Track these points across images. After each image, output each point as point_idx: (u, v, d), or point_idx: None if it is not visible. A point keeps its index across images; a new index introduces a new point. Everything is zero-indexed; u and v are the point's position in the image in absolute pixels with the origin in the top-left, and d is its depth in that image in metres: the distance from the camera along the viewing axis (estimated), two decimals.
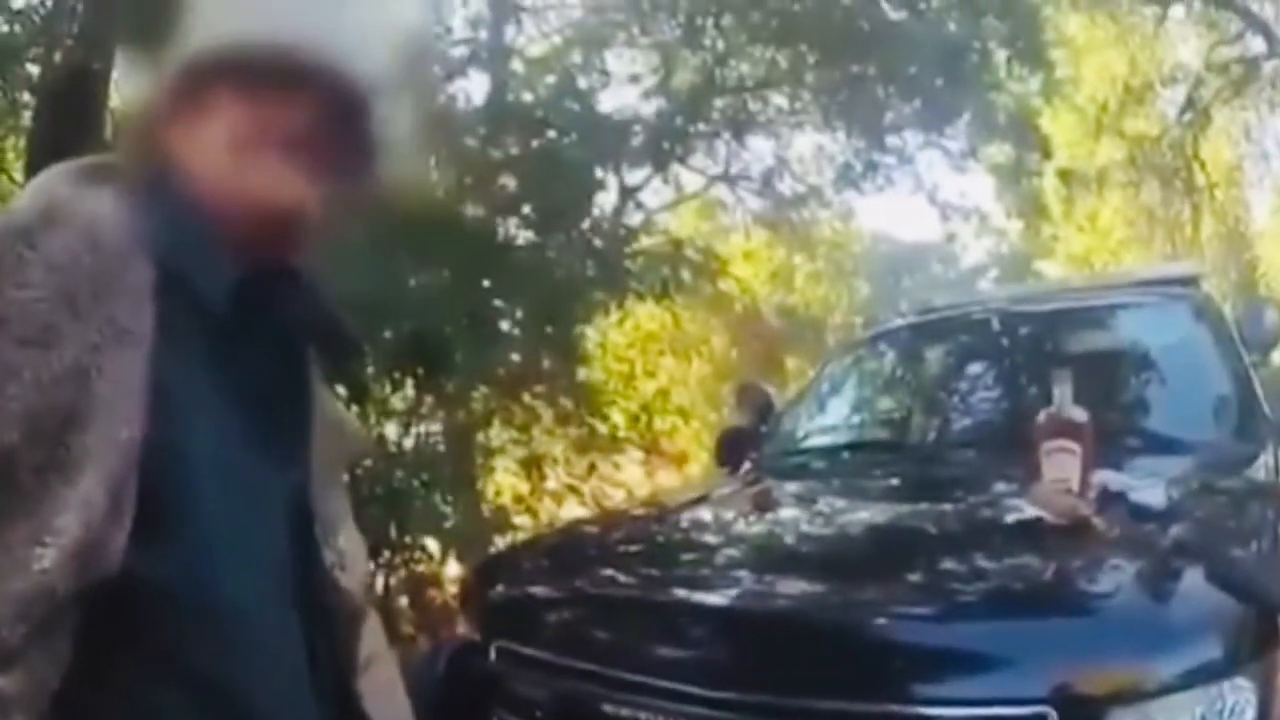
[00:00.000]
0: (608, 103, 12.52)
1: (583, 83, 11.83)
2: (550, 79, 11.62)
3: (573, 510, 10.87)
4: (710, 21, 11.68)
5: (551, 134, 10.16)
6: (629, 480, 12.38)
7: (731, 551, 3.88)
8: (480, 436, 10.37)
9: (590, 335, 11.75)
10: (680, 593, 3.45)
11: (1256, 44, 18.58)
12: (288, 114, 1.35)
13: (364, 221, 1.70)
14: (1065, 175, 18.03)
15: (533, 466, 10.80)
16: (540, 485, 11.00)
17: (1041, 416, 3.43)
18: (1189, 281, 5.54)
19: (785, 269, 19.80)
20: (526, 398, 10.30)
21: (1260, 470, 3.93)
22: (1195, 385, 4.63)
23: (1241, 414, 4.44)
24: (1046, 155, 15.68)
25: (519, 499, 10.82)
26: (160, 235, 1.29)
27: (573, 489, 11.45)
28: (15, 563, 1.11)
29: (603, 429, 11.48)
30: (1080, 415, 3.38)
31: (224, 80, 1.34)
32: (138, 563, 1.17)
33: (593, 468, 11.62)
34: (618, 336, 14.04)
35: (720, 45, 11.98)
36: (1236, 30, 18.75)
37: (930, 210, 15.99)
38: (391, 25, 1.42)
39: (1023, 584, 3.09)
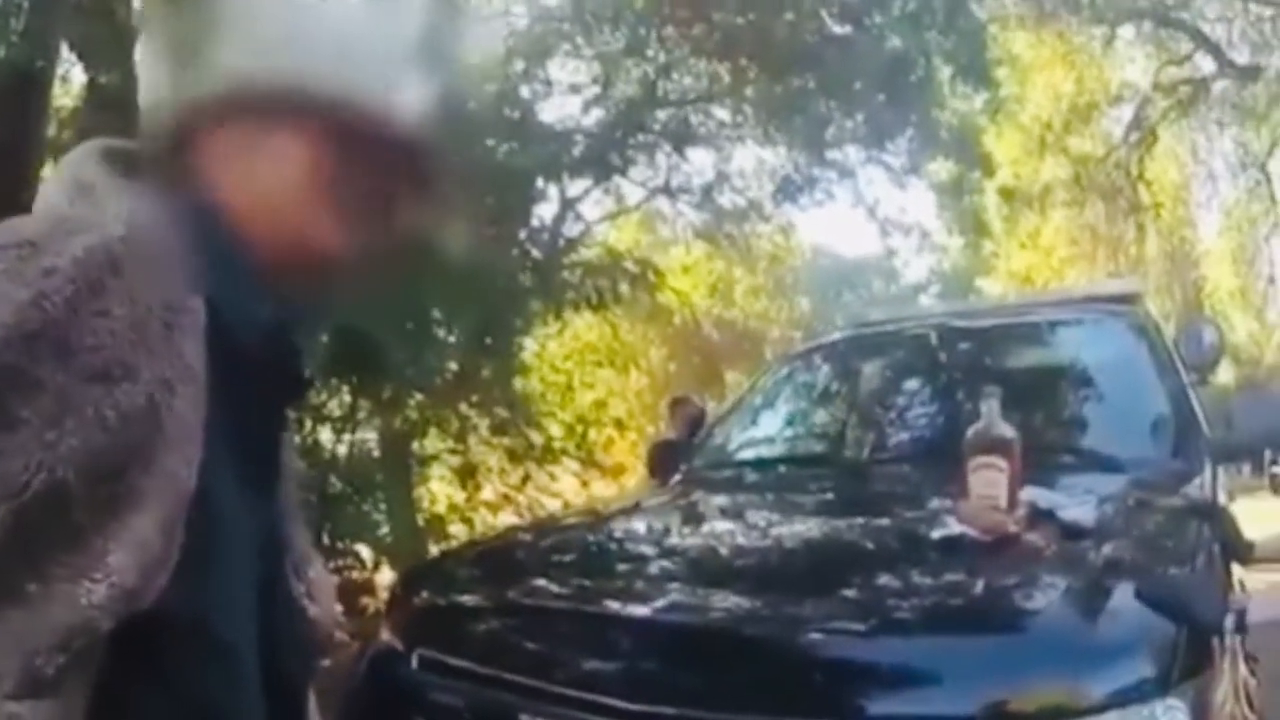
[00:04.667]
0: (549, 113, 12.54)
1: (525, 92, 11.82)
2: (491, 87, 11.59)
3: (508, 520, 10.86)
4: (653, 33, 11.68)
5: (491, 142, 10.15)
6: (564, 491, 12.39)
7: (661, 563, 3.83)
8: (415, 445, 10.34)
9: (528, 345, 11.76)
10: (607, 604, 3.41)
11: (1206, 64, 18.79)
12: (332, 154, 1.32)
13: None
14: (1007, 193, 18.16)
15: (468, 475, 10.79)
16: (475, 494, 10.99)
17: (969, 433, 3.43)
18: (1128, 299, 5.55)
19: (725, 282, 19.85)
20: (463, 406, 10.29)
21: (1197, 489, 3.95)
22: (1132, 403, 4.64)
23: (1179, 433, 4.45)
24: (989, 173, 15.77)
25: (454, 508, 10.80)
26: (208, 269, 1.25)
27: (508, 499, 11.45)
28: (60, 595, 1.09)
29: (538, 439, 11.49)
30: (1008, 432, 3.38)
31: (266, 114, 1.32)
32: (165, 598, 1.15)
33: (527, 478, 11.63)
34: (555, 347, 14.05)
35: (662, 57, 11.99)
36: (1185, 50, 18.93)
37: (871, 225, 16.06)
38: (429, 64, 1.39)
39: (952, 600, 3.08)
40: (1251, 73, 17.84)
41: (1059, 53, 18.29)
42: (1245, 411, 4.51)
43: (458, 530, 10.47)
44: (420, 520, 10.26)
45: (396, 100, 1.34)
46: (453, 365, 9.86)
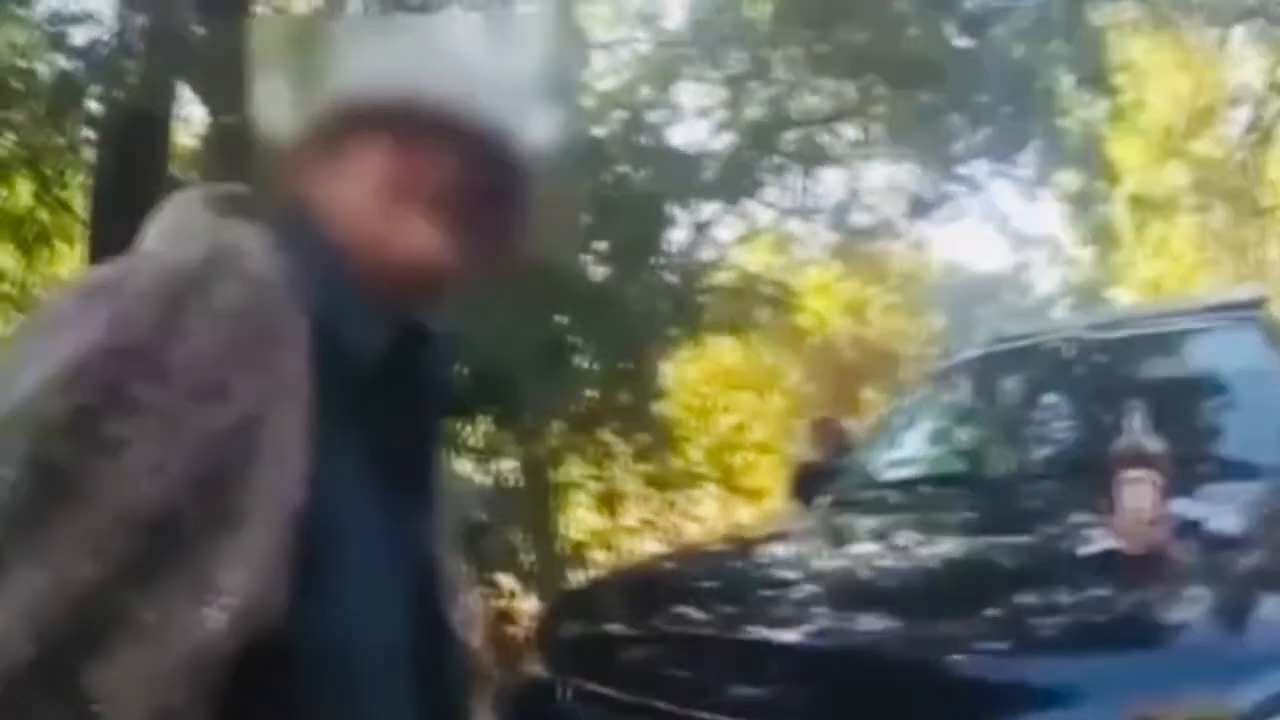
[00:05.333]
0: (678, 137, 12.56)
1: (653, 117, 11.85)
2: (620, 114, 11.65)
3: (650, 546, 10.85)
4: (778, 54, 11.67)
5: (622, 168, 10.19)
6: (706, 516, 12.38)
7: (808, 588, 3.85)
8: (556, 473, 10.38)
9: (666, 371, 11.76)
10: (758, 630, 3.43)
11: None
12: (443, 170, 1.31)
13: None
14: (1136, 200, 17.88)
15: (609, 502, 10.81)
16: (617, 521, 11.01)
17: (1116, 446, 3.39)
18: (1255, 305, 5.46)
19: (859, 301, 19.76)
20: (603, 433, 10.32)
21: None
22: (1266, 409, 4.56)
23: None
24: (1115, 181, 15.55)
25: (595, 535, 10.83)
26: (313, 285, 1.25)
27: (649, 524, 11.46)
28: (181, 622, 1.08)
29: (679, 465, 11.48)
30: (1156, 444, 3.34)
31: (380, 129, 1.31)
32: (289, 620, 1.13)
33: (670, 504, 11.62)
34: (693, 372, 14.05)
35: (789, 77, 11.96)
36: None
37: (1002, 240, 15.95)
38: (549, 90, 1.38)
39: (1099, 617, 3.06)
40: None
41: (1175, 57, 17.95)
42: None
43: (599, 557, 10.50)
44: (561, 548, 10.30)
45: (512, 119, 1.33)
46: (592, 392, 9.91)
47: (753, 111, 12.39)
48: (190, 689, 1.07)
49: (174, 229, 1.31)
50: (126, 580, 1.06)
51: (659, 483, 11.18)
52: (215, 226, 1.27)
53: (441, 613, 1.43)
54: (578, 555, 10.23)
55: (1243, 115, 18.97)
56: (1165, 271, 19.31)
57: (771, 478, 13.56)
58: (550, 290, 8.26)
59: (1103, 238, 17.18)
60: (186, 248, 1.23)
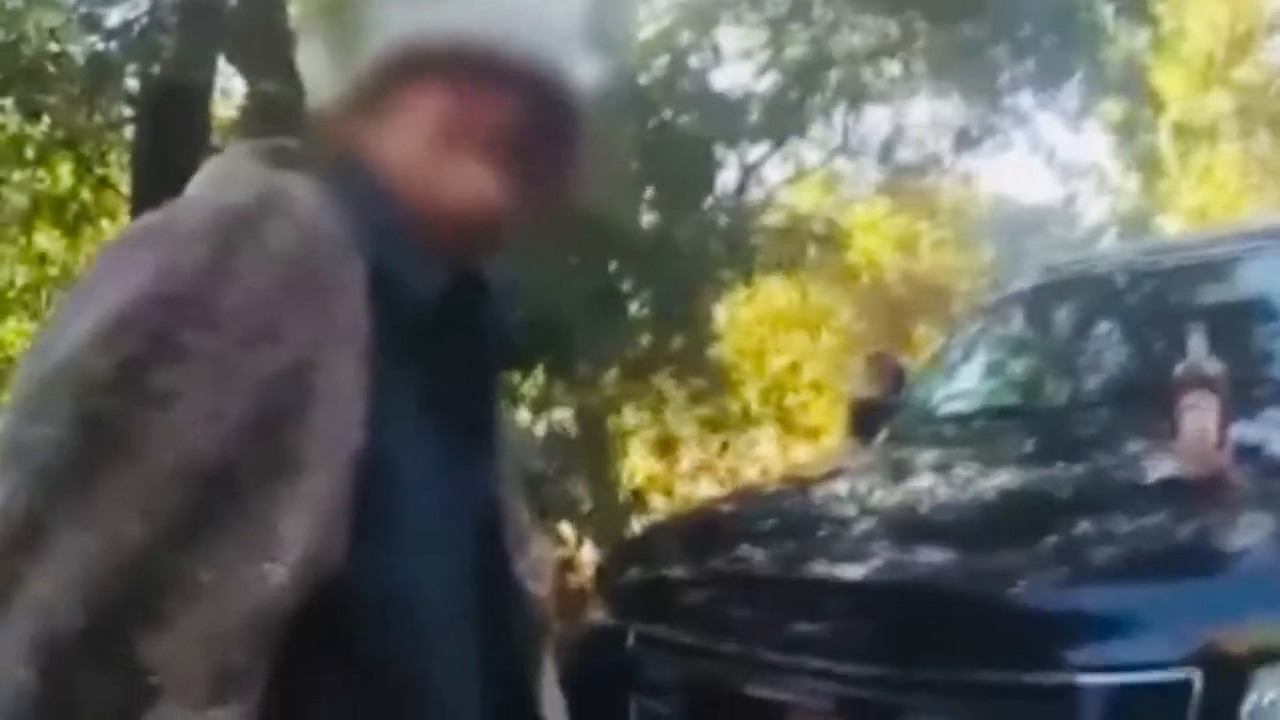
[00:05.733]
0: (721, 81, 12.51)
1: (695, 62, 11.80)
2: (663, 59, 11.61)
3: (708, 490, 10.87)
4: None
5: (668, 114, 10.17)
6: (763, 457, 12.39)
7: (868, 524, 3.86)
8: (612, 420, 10.40)
9: (719, 314, 11.75)
10: (818, 568, 3.45)
11: None
12: (495, 113, 1.27)
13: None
14: (1180, 128, 17.70)
15: (666, 447, 10.83)
16: (674, 466, 11.02)
17: (1177, 370, 3.39)
18: None
19: (909, 237, 19.67)
20: (657, 379, 10.32)
21: None
22: None
23: None
24: (1159, 110, 15.41)
25: (653, 480, 10.85)
26: (367, 230, 1.22)
27: (707, 468, 11.47)
28: (240, 578, 1.03)
29: (735, 407, 11.48)
30: (1216, 367, 3.33)
31: (431, 74, 1.27)
32: (349, 569, 1.09)
33: (725, 446, 11.63)
34: (745, 313, 14.04)
35: (829, 16, 11.89)
36: None
37: (1048, 171, 15.86)
38: (600, 31, 1.33)
39: (1161, 544, 3.07)
40: None
41: None
42: None
43: (658, 503, 10.52)
44: (621, 495, 10.33)
45: (564, 61, 1.29)
46: (645, 339, 9.90)
47: (794, 51, 12.33)
48: (252, 649, 1.03)
49: (221, 177, 1.28)
50: (181, 539, 1.02)
51: (715, 425, 11.17)
52: (264, 174, 1.25)
53: (508, 561, 1.40)
54: (637, 502, 10.26)
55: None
56: (1210, 199, 19.04)
57: (827, 416, 13.58)
58: (601, 238, 8.25)
59: (1147, 166, 17.04)
60: (236, 191, 1.19)
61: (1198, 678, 2.54)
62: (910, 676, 2.82)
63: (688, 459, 11.41)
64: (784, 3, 11.93)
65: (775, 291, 14.43)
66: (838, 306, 18.18)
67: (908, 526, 3.70)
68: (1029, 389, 5.59)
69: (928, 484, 4.37)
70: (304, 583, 1.05)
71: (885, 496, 4.31)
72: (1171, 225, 19.85)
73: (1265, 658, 2.57)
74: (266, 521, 1.05)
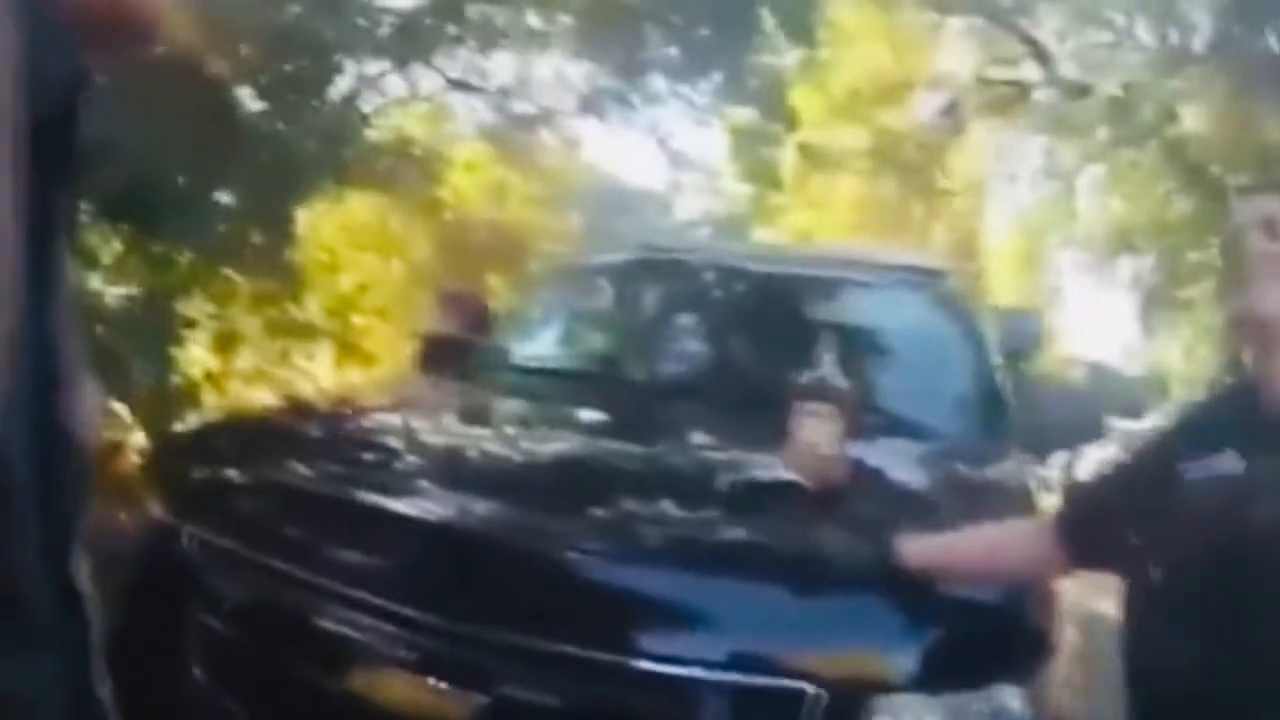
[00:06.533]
0: None
1: None
2: None
3: (261, 395, 10.61)
4: None
5: (297, 9, 9.88)
6: (316, 373, 12.18)
7: (426, 461, 3.76)
8: (179, 305, 10.01)
9: (300, 217, 11.48)
10: (372, 496, 3.33)
11: (1032, 70, 19.08)
12: None
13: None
14: (805, 149, 18.21)
15: (226, 344, 10.52)
16: (231, 364, 10.72)
17: (804, 378, 3.40)
18: (935, 274, 5.56)
19: (502, 186, 19.66)
20: (229, 270, 10.02)
21: (1007, 472, 4.00)
22: (937, 371, 4.67)
23: (987, 410, 4.52)
24: (790, 127, 15.87)
25: (209, 376, 10.49)
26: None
27: (263, 373, 11.20)
28: None
29: (300, 315, 11.26)
30: (844, 383, 3.37)
31: None
32: None
33: (285, 354, 11.40)
34: (324, 225, 13.76)
35: None
36: (1015, 54, 19.20)
37: (659, 156, 16.20)
38: None
39: (738, 543, 3.08)
40: (1079, 90, 18.17)
41: (883, 27, 18.26)
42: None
43: (210, 400, 10.20)
44: (174, 383, 9.96)
45: None
46: (224, 227, 9.59)
47: None
48: None
49: None
50: None
51: (279, 330, 10.94)
52: None
53: (57, 402, 1.27)
54: (190, 394, 9.90)
55: (939, 100, 19.45)
56: (818, 223, 19.65)
57: (387, 346, 13.43)
58: (209, 115, 7.96)
59: (761, 177, 17.48)
60: None
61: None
62: (487, 637, 2.75)
63: (246, 360, 11.09)
64: None
65: (357, 209, 14.19)
66: (416, 239, 18.02)
67: (468, 471, 3.64)
68: (608, 362, 5.59)
69: (491, 432, 4.34)
70: None
71: (451, 438, 4.24)
72: (769, 238, 20.41)
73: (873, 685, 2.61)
74: None
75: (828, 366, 3.39)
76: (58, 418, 1.25)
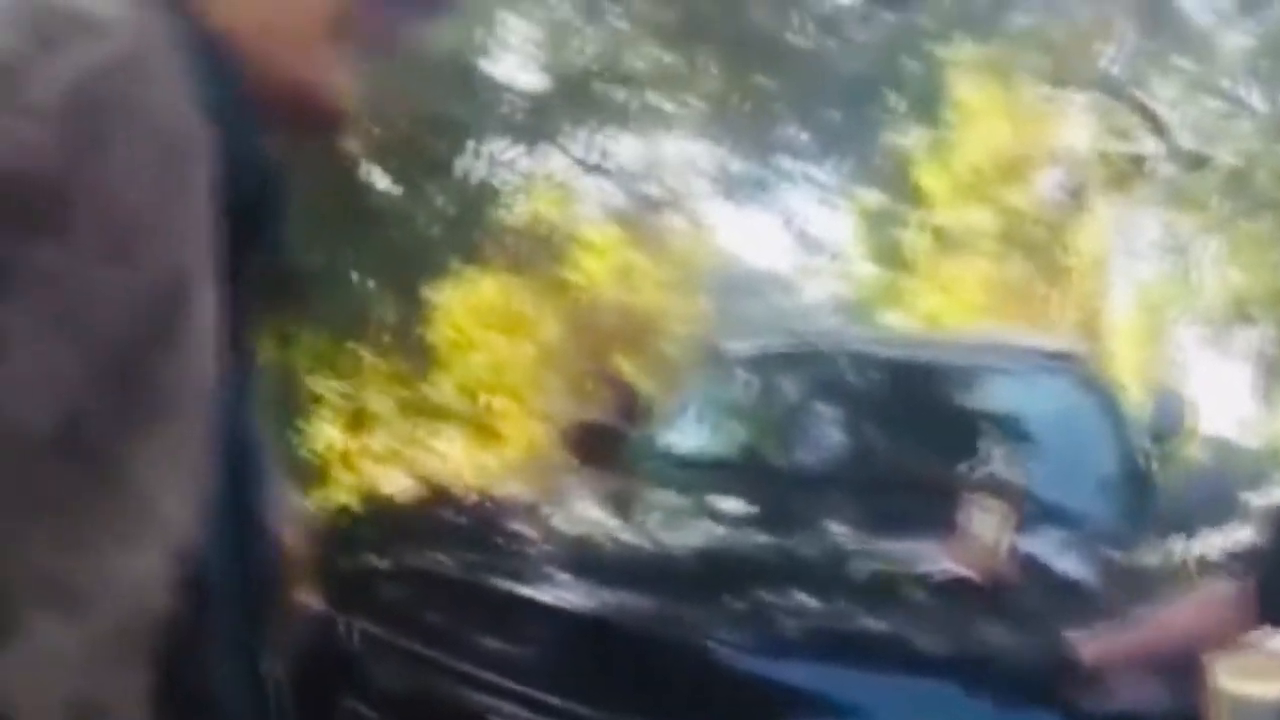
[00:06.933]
0: (487, 66, 12.30)
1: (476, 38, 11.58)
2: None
3: (393, 475, 10.63)
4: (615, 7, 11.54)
5: (430, 90, 9.94)
6: (448, 453, 12.21)
7: (573, 550, 3.74)
8: (308, 381, 10.06)
9: (432, 296, 11.54)
10: (513, 585, 3.31)
11: (1148, 142, 18.84)
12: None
13: None
14: (936, 232, 18.10)
15: (357, 421, 10.56)
16: (363, 442, 10.77)
17: (976, 471, 3.34)
18: (1069, 358, 5.48)
19: (631, 270, 19.69)
20: (361, 348, 10.07)
21: (1154, 554, 3.91)
22: (1084, 458, 4.58)
23: (1133, 493, 4.43)
24: (918, 207, 15.75)
25: (336, 452, 10.54)
26: (210, 93, 0.97)
27: (395, 453, 11.23)
28: (104, 580, 0.81)
29: (433, 395, 11.30)
30: (1014, 476, 3.30)
31: None
32: None
33: (414, 435, 11.43)
34: (454, 305, 13.84)
35: (616, 31, 11.82)
36: (1130, 126, 19.00)
37: (784, 238, 16.13)
38: None
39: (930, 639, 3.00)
40: (1196, 160, 17.93)
41: (1003, 104, 18.11)
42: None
43: (341, 477, 10.24)
44: (302, 457, 9.99)
45: None
46: (356, 306, 9.64)
47: (570, 58, 12.20)
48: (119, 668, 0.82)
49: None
50: (24, 533, 0.79)
51: (412, 409, 10.95)
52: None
53: (254, 498, 1.19)
54: (321, 471, 9.91)
55: (1059, 176, 19.30)
56: (946, 306, 19.46)
57: (517, 428, 13.43)
58: (337, 193, 8.00)
59: (889, 260, 17.35)
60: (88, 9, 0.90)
61: None
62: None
63: (378, 440, 11.13)
64: (571, 8, 11.79)
65: (487, 289, 14.26)
66: (545, 320, 18.09)
67: (608, 560, 3.60)
68: (748, 451, 5.52)
69: (632, 521, 4.31)
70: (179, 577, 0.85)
71: (594, 526, 4.21)
72: (898, 322, 20.24)
73: None
74: (138, 494, 0.84)
75: (998, 461, 3.31)
76: (255, 515, 1.18)
